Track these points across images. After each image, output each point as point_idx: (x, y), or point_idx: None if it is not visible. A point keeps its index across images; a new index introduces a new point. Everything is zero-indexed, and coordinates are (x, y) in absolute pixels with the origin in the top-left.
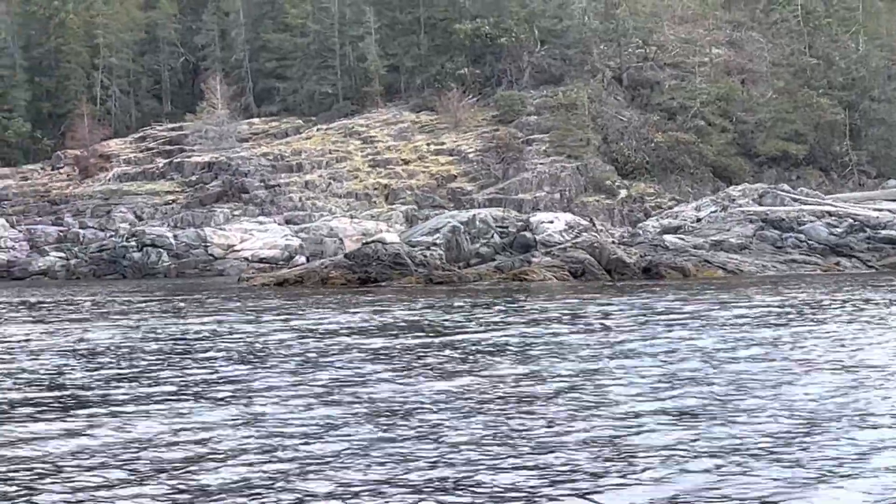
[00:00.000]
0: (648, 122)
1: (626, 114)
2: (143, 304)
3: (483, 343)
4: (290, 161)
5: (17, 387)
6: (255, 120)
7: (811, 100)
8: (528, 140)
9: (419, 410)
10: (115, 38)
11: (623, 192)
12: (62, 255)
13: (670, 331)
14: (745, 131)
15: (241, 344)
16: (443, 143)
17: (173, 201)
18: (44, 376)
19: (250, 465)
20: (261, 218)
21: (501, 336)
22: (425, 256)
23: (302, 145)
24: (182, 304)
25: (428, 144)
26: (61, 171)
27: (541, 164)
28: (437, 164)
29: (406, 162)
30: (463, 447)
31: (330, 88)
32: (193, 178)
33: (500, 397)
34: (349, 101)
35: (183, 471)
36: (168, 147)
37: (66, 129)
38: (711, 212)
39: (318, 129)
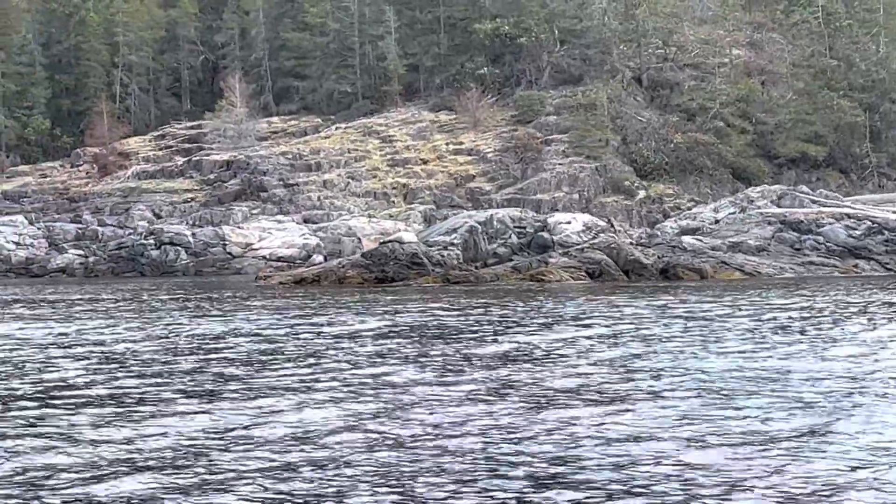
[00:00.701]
0: (668, 123)
1: (645, 114)
2: (173, 303)
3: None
4: (309, 160)
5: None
6: (274, 119)
7: (831, 101)
8: (546, 140)
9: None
10: (135, 36)
11: (642, 193)
12: (80, 252)
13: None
14: (764, 132)
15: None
16: (461, 143)
17: (192, 199)
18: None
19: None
20: (279, 217)
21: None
22: (442, 256)
23: (320, 144)
24: (205, 304)
25: (447, 144)
26: (80, 168)
27: (559, 164)
28: (455, 164)
29: (424, 161)
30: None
31: (349, 87)
32: (212, 176)
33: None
34: (368, 100)
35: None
36: (187, 145)
37: (85, 127)
38: (730, 213)
39: (336, 128)
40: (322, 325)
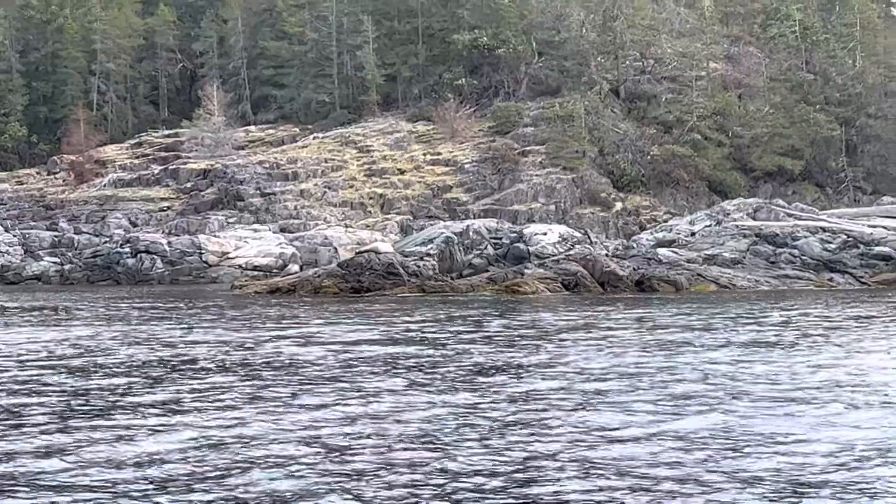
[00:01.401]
0: (645, 135)
1: (622, 126)
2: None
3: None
4: (286, 169)
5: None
6: (252, 127)
7: (808, 115)
8: (524, 151)
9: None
10: (113, 44)
11: (618, 205)
12: (56, 260)
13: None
14: (741, 146)
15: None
16: (439, 154)
17: (168, 208)
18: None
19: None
20: (255, 226)
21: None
22: (418, 266)
23: (298, 153)
24: (181, 314)
25: (424, 154)
26: (57, 176)
27: (536, 175)
28: (432, 175)
29: (402, 172)
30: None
31: (327, 97)
32: (189, 184)
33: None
34: (346, 109)
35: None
36: (164, 153)
37: (62, 134)
38: (706, 226)
39: (314, 138)
40: (283, 335)
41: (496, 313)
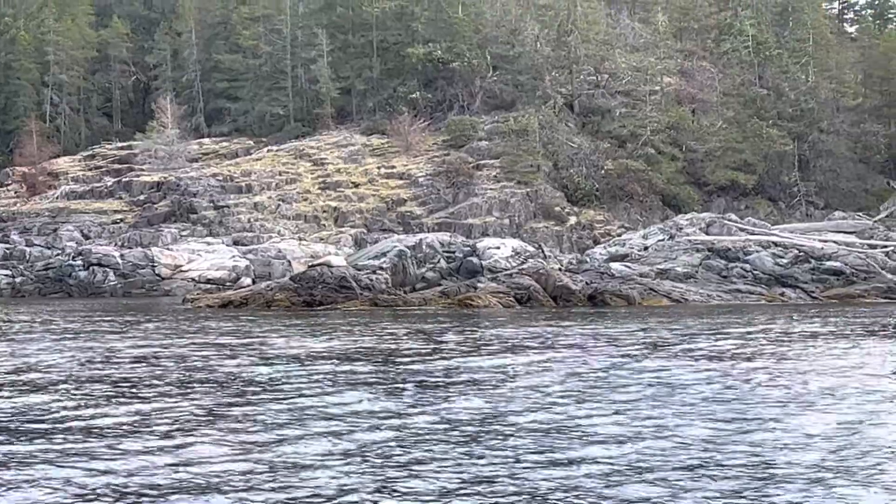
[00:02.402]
0: (599, 150)
1: (576, 141)
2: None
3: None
4: (240, 182)
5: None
6: (206, 140)
7: (760, 130)
8: (478, 165)
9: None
10: (66, 56)
11: (572, 219)
12: (7, 272)
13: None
14: (694, 160)
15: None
16: (393, 167)
17: (121, 220)
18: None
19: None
20: (209, 238)
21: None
22: (371, 280)
23: (252, 166)
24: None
25: (378, 168)
26: (9, 188)
27: (491, 189)
28: (387, 188)
29: (356, 185)
30: None
31: (281, 110)
32: (142, 197)
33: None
34: (300, 122)
35: None
36: (117, 166)
37: (14, 146)
38: (658, 240)
39: (268, 151)
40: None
41: (448, 327)
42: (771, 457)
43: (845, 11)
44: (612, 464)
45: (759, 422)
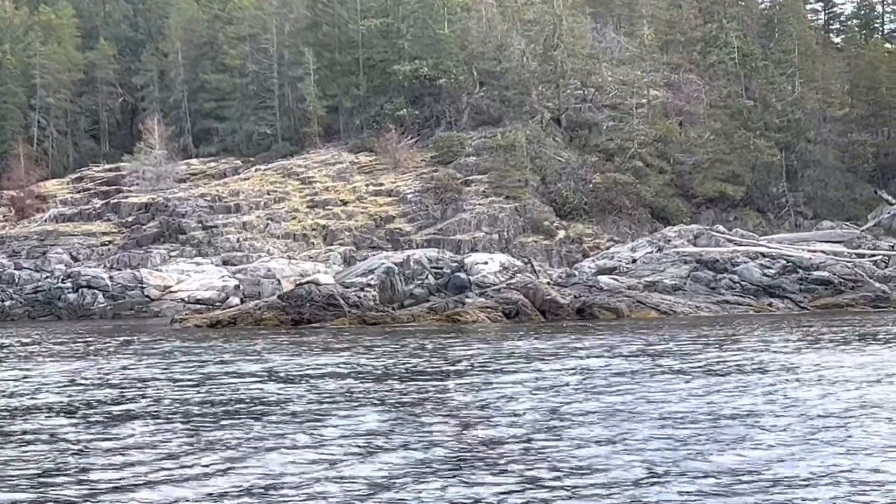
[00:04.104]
0: (587, 164)
1: (564, 155)
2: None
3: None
4: (228, 202)
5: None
6: (194, 160)
7: (748, 141)
8: (466, 181)
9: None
10: (53, 79)
11: (561, 233)
12: None
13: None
14: (682, 172)
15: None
16: (381, 184)
17: (110, 242)
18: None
19: None
20: (198, 259)
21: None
22: (359, 297)
23: (240, 186)
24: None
25: (366, 185)
26: None
27: (479, 204)
28: (375, 205)
29: (344, 203)
30: None
31: (269, 129)
32: (130, 218)
33: None
34: (288, 141)
35: None
36: (105, 188)
37: (2, 170)
38: (647, 252)
39: (256, 170)
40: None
41: (436, 344)
42: None
43: (831, 22)
44: None
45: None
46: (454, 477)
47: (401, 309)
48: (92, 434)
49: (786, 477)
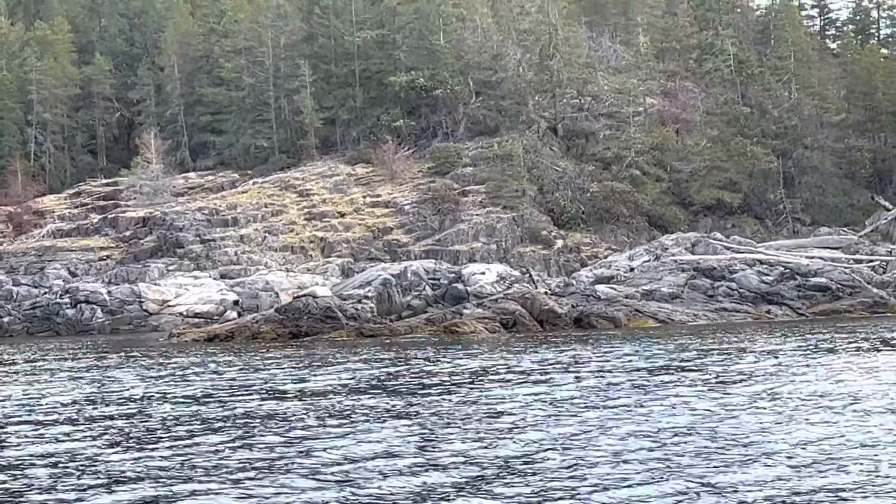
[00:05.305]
0: (584, 173)
1: (561, 164)
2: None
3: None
4: (226, 215)
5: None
6: (191, 174)
7: (745, 148)
8: (463, 191)
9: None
10: (49, 94)
11: (559, 243)
12: None
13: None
14: (679, 180)
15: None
16: (379, 196)
17: (108, 257)
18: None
19: None
20: (196, 273)
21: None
22: (356, 309)
23: (237, 199)
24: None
25: (364, 197)
26: None
27: (477, 215)
28: (373, 217)
29: (342, 215)
30: None
31: (265, 142)
32: (128, 233)
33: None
34: (285, 154)
35: None
36: (103, 202)
37: None
38: (644, 261)
39: (253, 183)
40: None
41: (435, 356)
42: None
43: (827, 28)
44: None
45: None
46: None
47: (398, 320)
48: (123, 455)
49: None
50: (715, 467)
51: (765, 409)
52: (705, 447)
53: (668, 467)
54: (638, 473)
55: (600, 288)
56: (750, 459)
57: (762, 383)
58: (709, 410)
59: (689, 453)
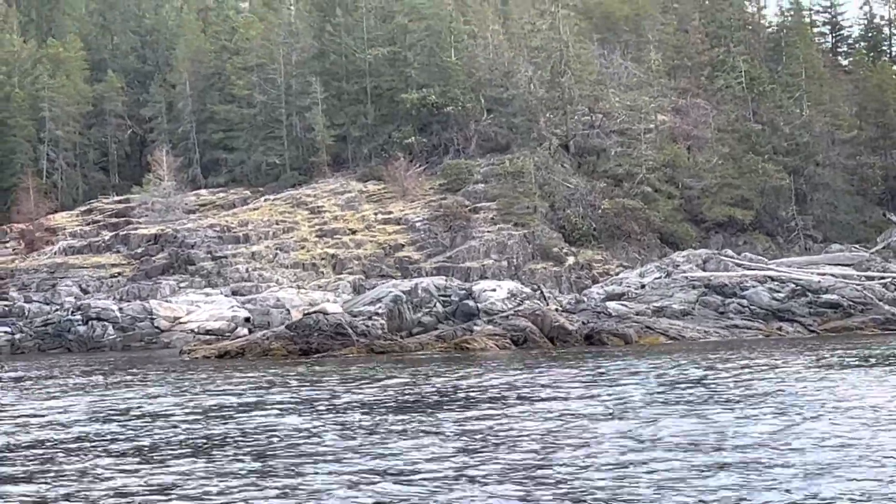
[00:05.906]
0: (595, 189)
1: (572, 181)
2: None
3: None
4: (237, 232)
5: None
6: (203, 191)
7: (756, 165)
8: (475, 208)
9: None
10: (62, 111)
11: (570, 259)
12: (7, 329)
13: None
14: (691, 197)
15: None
16: (390, 213)
17: (119, 274)
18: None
19: None
20: (207, 289)
21: None
22: (367, 326)
23: (249, 216)
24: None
25: (375, 214)
26: (6, 245)
27: (488, 232)
28: (384, 234)
29: (353, 231)
30: None
31: (277, 159)
32: (139, 250)
33: None
34: (296, 171)
35: None
36: (114, 220)
37: (11, 203)
38: (655, 278)
39: (265, 200)
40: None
41: (448, 373)
42: None
43: (838, 45)
44: None
45: None
46: None
47: (409, 337)
48: (133, 472)
49: None
50: (734, 481)
51: (776, 422)
52: (720, 460)
53: (678, 478)
54: (651, 484)
55: (611, 305)
56: (766, 467)
57: (775, 396)
58: (720, 422)
59: (697, 467)
